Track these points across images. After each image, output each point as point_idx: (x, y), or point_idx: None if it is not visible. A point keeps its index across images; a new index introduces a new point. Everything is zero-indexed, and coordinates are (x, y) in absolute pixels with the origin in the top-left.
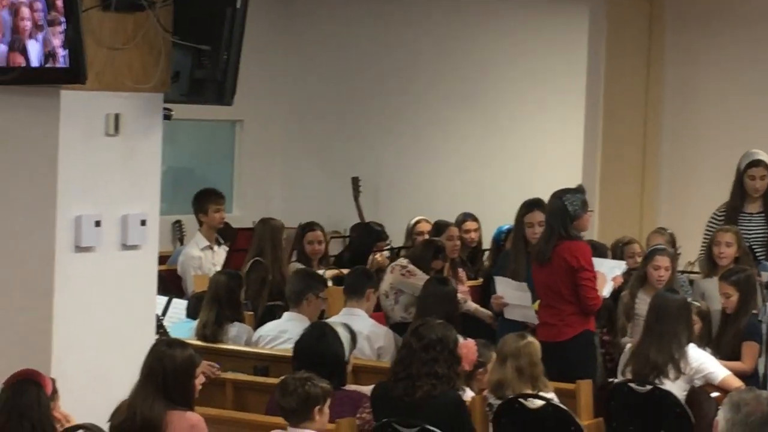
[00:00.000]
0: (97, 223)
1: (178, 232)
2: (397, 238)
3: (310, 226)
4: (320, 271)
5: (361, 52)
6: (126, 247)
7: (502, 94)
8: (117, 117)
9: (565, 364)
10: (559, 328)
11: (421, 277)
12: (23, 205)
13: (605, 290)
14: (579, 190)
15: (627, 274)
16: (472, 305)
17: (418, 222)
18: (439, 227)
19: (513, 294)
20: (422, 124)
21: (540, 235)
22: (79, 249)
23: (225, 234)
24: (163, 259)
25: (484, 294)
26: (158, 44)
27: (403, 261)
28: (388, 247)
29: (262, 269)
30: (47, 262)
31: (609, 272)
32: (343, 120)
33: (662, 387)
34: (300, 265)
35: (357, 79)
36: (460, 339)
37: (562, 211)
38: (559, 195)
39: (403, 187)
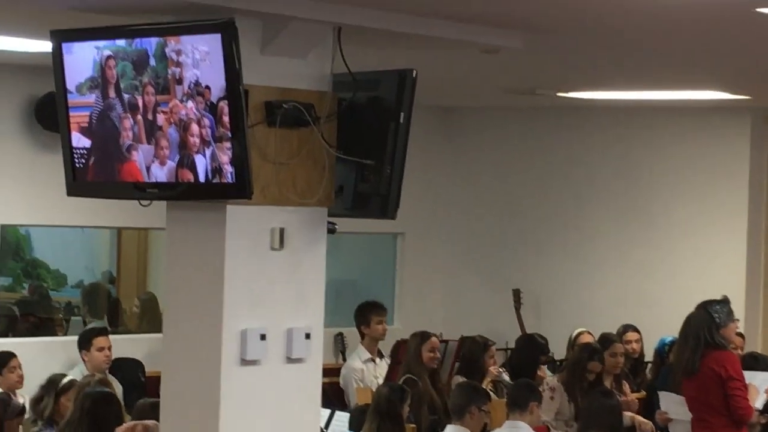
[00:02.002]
0: (263, 337)
1: (340, 345)
2: (559, 350)
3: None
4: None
5: (522, 164)
6: (291, 360)
7: (664, 205)
8: (282, 231)
9: None
10: None
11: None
12: (191, 319)
13: (758, 402)
14: (724, 300)
15: None
16: (627, 415)
17: (580, 333)
18: (604, 341)
19: (676, 409)
20: (584, 235)
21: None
22: (245, 362)
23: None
24: (326, 372)
25: (647, 407)
26: (322, 159)
27: (552, 380)
28: (550, 359)
29: (414, 385)
30: (214, 375)
31: (762, 384)
32: (504, 231)
33: None
34: (462, 378)
35: (517, 191)
36: None
37: (707, 321)
38: (704, 305)
39: (564, 298)
